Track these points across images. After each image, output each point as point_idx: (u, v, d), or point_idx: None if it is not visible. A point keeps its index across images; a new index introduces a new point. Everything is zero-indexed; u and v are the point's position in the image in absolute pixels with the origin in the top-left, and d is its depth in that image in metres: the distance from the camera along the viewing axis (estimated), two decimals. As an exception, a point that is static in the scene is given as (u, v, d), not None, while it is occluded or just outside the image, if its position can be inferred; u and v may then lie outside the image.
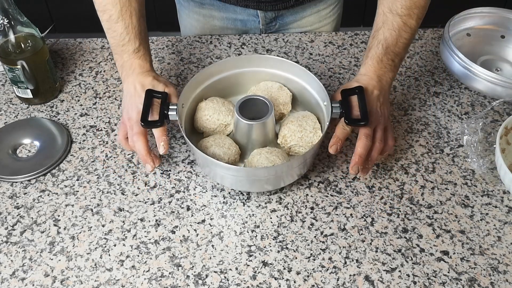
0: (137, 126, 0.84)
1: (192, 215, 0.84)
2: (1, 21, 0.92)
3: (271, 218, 0.84)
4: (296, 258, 0.79)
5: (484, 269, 0.77)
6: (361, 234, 0.82)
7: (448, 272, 0.77)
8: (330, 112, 0.82)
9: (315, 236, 0.81)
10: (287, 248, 0.80)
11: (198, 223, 0.83)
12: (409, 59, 1.12)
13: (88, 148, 0.94)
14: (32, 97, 1.01)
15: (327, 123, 0.83)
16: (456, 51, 1.00)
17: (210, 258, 0.79)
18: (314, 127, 0.87)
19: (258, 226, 0.83)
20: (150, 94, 0.85)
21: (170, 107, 0.84)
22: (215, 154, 0.83)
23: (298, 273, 0.77)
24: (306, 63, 1.11)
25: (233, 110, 0.88)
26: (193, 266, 0.78)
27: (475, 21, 1.12)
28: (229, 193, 0.87)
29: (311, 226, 0.82)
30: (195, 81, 0.90)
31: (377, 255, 0.79)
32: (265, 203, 0.86)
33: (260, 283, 0.76)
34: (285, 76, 0.93)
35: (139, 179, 0.89)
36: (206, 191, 0.88)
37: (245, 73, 0.94)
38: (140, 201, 0.86)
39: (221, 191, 0.87)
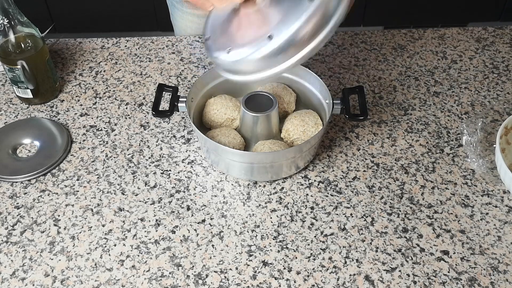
0: None
1: (192, 215, 0.84)
2: (1, 21, 0.92)
3: (271, 218, 0.84)
4: (296, 258, 0.79)
5: (484, 269, 0.77)
6: (361, 234, 0.81)
7: (448, 272, 0.77)
8: (331, 108, 0.87)
9: (315, 236, 0.81)
10: (287, 248, 0.80)
11: (198, 223, 0.83)
12: (409, 59, 1.12)
13: (88, 148, 0.94)
14: (32, 97, 1.01)
15: (328, 118, 0.87)
16: None
17: (210, 258, 0.79)
18: (316, 122, 0.91)
19: (258, 226, 0.83)
20: (161, 88, 0.92)
21: (179, 99, 0.90)
22: (220, 143, 0.86)
23: (298, 273, 0.77)
24: (306, 63, 1.10)
25: (239, 106, 0.92)
26: (193, 266, 0.78)
27: None
28: (229, 193, 0.87)
29: (311, 226, 0.82)
30: (205, 78, 0.94)
31: (377, 255, 0.79)
32: (265, 203, 0.86)
33: (260, 283, 0.76)
34: (289, 78, 0.97)
35: (139, 179, 0.89)
36: (206, 191, 0.88)
37: None
38: (140, 201, 0.86)
39: (221, 191, 0.87)
